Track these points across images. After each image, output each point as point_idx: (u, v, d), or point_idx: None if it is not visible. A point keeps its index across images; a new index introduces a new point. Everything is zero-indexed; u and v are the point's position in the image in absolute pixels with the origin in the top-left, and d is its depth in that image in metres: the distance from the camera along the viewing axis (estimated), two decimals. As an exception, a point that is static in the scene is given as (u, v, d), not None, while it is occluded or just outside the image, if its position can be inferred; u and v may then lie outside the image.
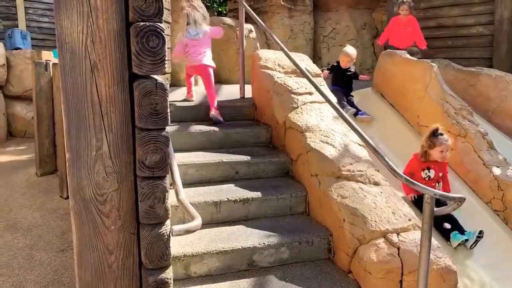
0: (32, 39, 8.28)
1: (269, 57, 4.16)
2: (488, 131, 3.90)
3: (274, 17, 7.22)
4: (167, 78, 5.37)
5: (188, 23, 4.35)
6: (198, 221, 1.85)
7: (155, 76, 1.69)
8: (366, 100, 4.83)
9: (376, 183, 2.94)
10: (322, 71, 4.44)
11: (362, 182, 2.92)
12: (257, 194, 3.04)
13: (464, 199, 2.11)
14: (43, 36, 8.79)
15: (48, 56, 6.73)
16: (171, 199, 1.87)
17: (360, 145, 3.27)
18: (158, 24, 1.64)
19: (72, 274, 3.14)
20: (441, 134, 3.34)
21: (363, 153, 3.20)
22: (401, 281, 2.42)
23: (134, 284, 1.85)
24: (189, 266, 2.53)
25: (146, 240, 1.74)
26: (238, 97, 4.62)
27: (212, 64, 4.37)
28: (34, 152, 5.37)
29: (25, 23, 8.57)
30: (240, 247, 2.61)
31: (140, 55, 1.63)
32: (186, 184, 2.98)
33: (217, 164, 3.29)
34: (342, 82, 4.77)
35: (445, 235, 3.10)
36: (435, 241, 2.50)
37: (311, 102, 3.67)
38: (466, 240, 3.01)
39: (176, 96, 4.52)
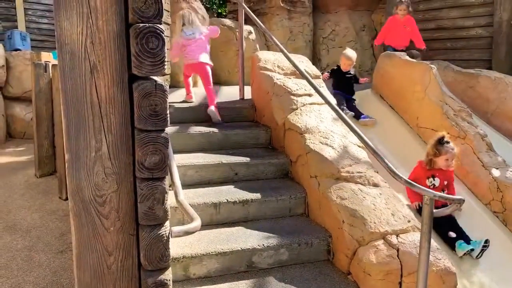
0: (31, 40, 8.29)
1: (269, 58, 4.16)
2: (487, 132, 3.90)
3: (273, 19, 7.23)
4: (166, 80, 5.37)
5: (183, 24, 4.39)
6: (197, 223, 1.84)
7: (155, 78, 1.69)
8: (365, 102, 4.83)
9: (376, 185, 2.94)
10: (322, 74, 4.45)
11: (362, 184, 2.92)
12: (257, 196, 3.04)
13: (464, 200, 2.11)
14: (42, 37, 8.79)
15: (47, 57, 6.73)
16: (170, 200, 1.86)
17: (359, 146, 3.27)
18: (158, 25, 1.64)
19: (71, 276, 3.13)
20: (447, 142, 3.26)
21: (363, 154, 3.20)
22: (400, 283, 2.42)
23: (133, 285, 1.84)
24: (188, 268, 2.52)
25: (145, 241, 1.74)
26: (238, 98, 4.62)
27: (210, 62, 4.39)
28: (33, 153, 5.36)
29: (24, 24, 8.58)
30: (239, 249, 2.61)
31: (140, 56, 1.63)
32: (186, 186, 2.97)
33: (216, 166, 3.29)
34: (343, 85, 4.77)
35: (450, 244, 3.04)
36: (434, 243, 2.50)
37: (311, 104, 3.68)
38: (472, 249, 2.94)
39: (175, 97, 4.52)
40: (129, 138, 1.75)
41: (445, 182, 3.33)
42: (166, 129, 1.72)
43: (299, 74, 3.55)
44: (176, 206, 2.46)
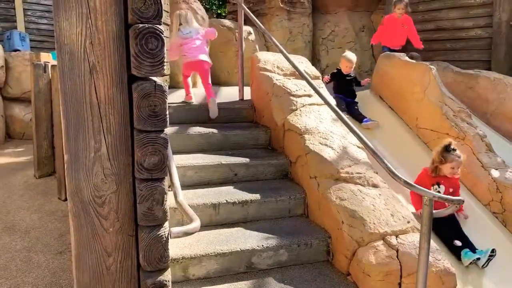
0: (30, 40, 8.28)
1: (268, 59, 4.17)
2: (486, 133, 3.90)
3: (273, 19, 7.23)
4: (166, 80, 5.37)
5: (180, 23, 4.41)
6: (196, 223, 1.84)
7: (154, 78, 1.69)
8: (364, 103, 4.83)
9: (375, 185, 2.94)
10: (322, 77, 4.44)
11: (361, 184, 2.92)
12: (256, 196, 3.04)
13: (463, 201, 2.12)
14: (41, 37, 8.78)
15: (46, 57, 6.73)
16: (169, 201, 1.86)
17: (358, 147, 3.27)
18: (157, 26, 1.63)
19: (70, 276, 3.13)
20: (454, 150, 3.20)
21: (362, 155, 3.20)
22: (400, 284, 2.41)
23: (132, 286, 1.84)
24: (187, 269, 2.52)
25: (144, 242, 1.74)
26: (237, 99, 4.62)
27: (209, 60, 4.41)
28: (33, 154, 5.36)
29: (23, 24, 8.57)
30: (239, 250, 2.61)
31: (139, 57, 1.62)
32: (185, 186, 2.97)
33: (216, 166, 3.29)
34: (344, 88, 4.75)
35: (456, 253, 2.99)
36: (434, 243, 2.50)
37: (310, 104, 3.68)
38: (478, 258, 2.89)
39: (175, 98, 4.51)
40: (128, 139, 1.75)
41: (451, 190, 3.26)
42: (166, 129, 1.72)
43: (299, 74, 3.55)
44: (175, 207, 2.46)
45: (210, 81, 4.35)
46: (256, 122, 4.20)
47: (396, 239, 2.55)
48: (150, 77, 1.68)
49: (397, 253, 2.47)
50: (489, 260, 2.87)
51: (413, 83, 4.40)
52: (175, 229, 1.76)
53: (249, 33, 6.66)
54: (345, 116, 2.89)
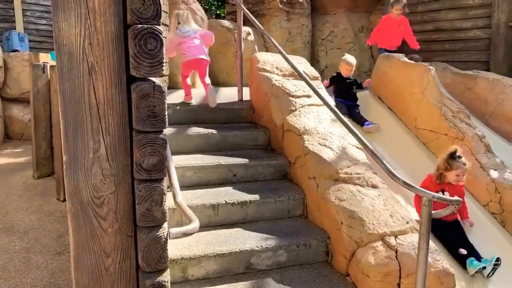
0: (29, 41, 8.27)
1: (267, 59, 4.17)
2: (485, 134, 3.91)
3: (272, 20, 7.23)
4: (165, 81, 5.36)
5: (179, 22, 4.42)
6: (195, 224, 1.84)
7: (153, 79, 1.69)
8: (364, 104, 4.83)
9: (374, 186, 2.94)
10: (322, 82, 4.43)
11: (360, 185, 2.92)
12: (255, 197, 3.04)
13: (461, 201, 2.12)
14: (40, 38, 8.78)
15: (45, 58, 6.73)
16: (168, 201, 1.86)
17: (357, 147, 3.28)
18: (156, 26, 1.63)
19: (69, 277, 3.12)
20: (460, 157, 3.15)
21: (361, 156, 3.21)
22: (399, 284, 2.42)
23: (131, 287, 1.84)
24: (186, 269, 2.52)
25: (143, 243, 1.74)
26: (236, 99, 4.62)
27: (208, 58, 4.46)
28: (31, 154, 5.35)
29: (22, 25, 8.56)
30: (238, 250, 2.60)
31: (138, 57, 1.62)
32: (184, 187, 2.97)
33: (215, 167, 3.29)
34: (345, 92, 4.71)
35: (461, 261, 2.94)
36: (432, 244, 2.51)
37: (309, 105, 3.68)
38: (484, 267, 2.84)
39: (174, 98, 4.51)
40: (127, 139, 1.75)
41: (455, 197, 3.24)
42: (164, 130, 1.72)
43: (298, 75, 3.55)
44: (174, 208, 2.46)
45: (208, 78, 4.40)
46: (255, 123, 4.20)
47: (395, 240, 2.55)
48: (149, 78, 1.68)
49: (396, 254, 2.47)
50: (494, 269, 2.83)
51: (412, 84, 4.40)
52: (174, 230, 1.76)
53: (248, 34, 6.66)
54: (343, 117, 2.88)
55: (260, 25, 4.24)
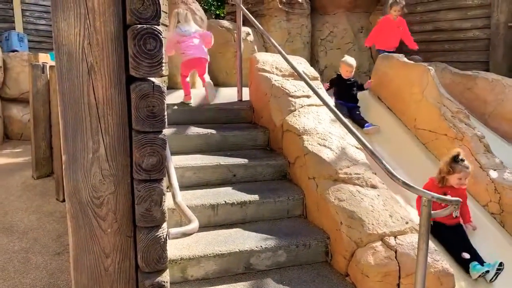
0: (29, 41, 8.27)
1: (267, 60, 4.17)
2: (484, 134, 3.91)
3: (271, 20, 7.23)
4: (164, 81, 5.36)
5: (179, 21, 4.42)
6: (195, 224, 1.84)
7: (152, 79, 1.69)
8: (363, 104, 4.83)
9: (373, 186, 2.94)
10: (323, 84, 4.42)
11: (359, 185, 2.92)
12: (255, 197, 3.04)
13: (460, 201, 2.12)
14: (40, 38, 8.77)
15: (45, 58, 6.73)
16: (168, 202, 1.86)
17: (357, 148, 3.28)
18: (156, 26, 1.63)
19: (68, 278, 3.12)
20: (462, 160, 3.14)
21: (360, 156, 3.21)
22: (398, 284, 2.41)
23: (130, 287, 1.83)
24: (186, 269, 2.52)
25: (142, 243, 1.73)
26: (236, 100, 4.62)
27: (207, 57, 4.49)
28: (31, 154, 5.35)
29: (22, 25, 8.55)
30: (237, 250, 2.60)
31: (137, 57, 1.62)
32: (183, 187, 2.97)
33: (214, 167, 3.28)
34: (346, 94, 4.68)
35: (464, 265, 2.93)
36: (432, 244, 2.51)
37: (309, 105, 3.68)
38: (487, 271, 2.83)
39: (173, 98, 4.51)
40: (127, 140, 1.75)
41: None
42: (164, 130, 1.72)
43: (297, 75, 3.55)
44: (173, 208, 2.46)
45: (207, 75, 4.45)
46: (254, 123, 4.20)
47: (395, 240, 2.55)
48: (149, 78, 1.68)
49: (396, 254, 2.47)
50: (497, 274, 2.81)
51: (412, 84, 4.41)
52: (174, 230, 1.76)
53: (248, 34, 6.66)
54: (343, 117, 2.88)
55: (259, 25, 4.24)
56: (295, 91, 3.78)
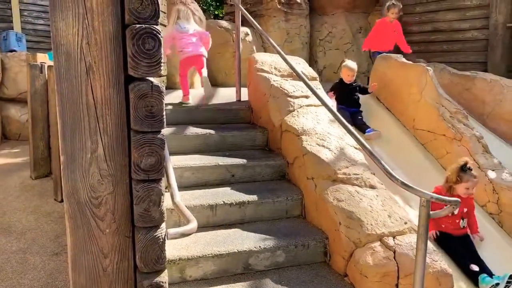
0: (27, 41, 8.26)
1: (266, 60, 4.16)
2: (483, 134, 3.91)
3: (270, 21, 7.23)
4: (163, 81, 5.35)
5: (179, 17, 4.41)
6: (193, 224, 1.84)
7: (151, 79, 1.69)
8: (362, 104, 4.83)
9: (372, 186, 2.94)
10: (327, 93, 4.39)
11: (358, 185, 2.92)
12: (253, 197, 3.03)
13: (459, 201, 2.12)
14: (38, 38, 8.76)
15: (43, 58, 6.71)
16: (166, 202, 1.86)
17: (356, 148, 3.28)
18: (154, 26, 1.63)
19: (66, 278, 3.12)
20: (470, 169, 3.08)
21: (359, 156, 3.21)
22: (397, 285, 2.41)
23: (129, 287, 1.83)
24: (184, 270, 2.51)
25: (141, 243, 1.73)
26: (235, 100, 4.61)
27: (206, 54, 4.53)
28: (29, 154, 5.34)
29: (20, 25, 8.55)
30: (236, 251, 2.60)
31: (136, 57, 1.62)
32: (182, 187, 2.96)
33: (213, 167, 3.28)
34: (348, 98, 4.60)
35: (472, 277, 2.85)
36: (430, 245, 2.50)
37: (307, 105, 3.68)
38: (497, 284, 2.74)
39: (172, 98, 4.51)
40: (125, 140, 1.74)
41: (465, 210, 3.14)
42: (162, 130, 1.72)
43: (296, 76, 3.55)
44: (172, 208, 2.45)
45: (205, 69, 4.51)
46: (253, 123, 4.20)
47: (393, 240, 2.55)
48: (147, 78, 1.67)
49: (394, 254, 2.47)
50: (507, 286, 2.74)
51: (410, 85, 4.41)
52: (172, 230, 1.75)
53: (247, 34, 6.66)
54: (341, 117, 2.88)
55: (258, 26, 4.23)
56: (293, 92, 3.78)
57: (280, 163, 3.49)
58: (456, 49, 6.48)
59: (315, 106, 3.68)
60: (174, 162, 3.08)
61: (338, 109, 4.33)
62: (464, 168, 3.08)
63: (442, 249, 2.99)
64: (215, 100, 4.54)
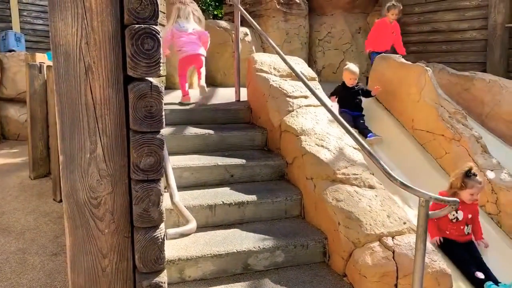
0: (26, 41, 8.26)
1: (265, 60, 4.17)
2: (482, 135, 3.92)
3: (269, 21, 7.23)
4: (162, 81, 5.35)
5: (179, 16, 4.42)
6: (192, 225, 1.83)
7: (150, 79, 1.68)
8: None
9: (371, 187, 2.95)
10: (329, 97, 4.37)
11: (357, 186, 2.92)
12: (252, 198, 3.03)
13: (458, 202, 2.12)
14: (37, 38, 8.76)
15: (42, 58, 6.69)
16: (165, 202, 1.85)
17: (355, 148, 3.28)
18: (153, 26, 1.63)
19: (65, 278, 3.11)
20: (475, 175, 3.04)
21: (358, 156, 3.21)
22: (396, 285, 2.42)
23: (128, 288, 1.83)
24: (183, 270, 2.51)
25: (140, 243, 1.73)
26: (234, 100, 4.61)
27: (205, 53, 4.58)
28: (28, 155, 5.33)
29: (19, 25, 8.54)
30: (235, 251, 2.60)
31: (135, 57, 1.62)
32: (181, 187, 2.96)
33: (212, 167, 3.28)
34: (350, 102, 4.58)
35: (478, 285, 2.81)
36: (429, 245, 2.51)
37: (307, 106, 3.68)
38: None
39: (171, 98, 4.50)
40: (124, 140, 1.74)
41: (469, 216, 3.10)
42: (162, 130, 1.72)
43: (295, 76, 3.55)
44: (171, 208, 2.45)
45: (204, 68, 4.54)
46: (252, 123, 4.20)
47: (392, 240, 2.55)
48: (146, 78, 1.67)
49: (393, 254, 2.47)
50: None
51: (409, 85, 4.41)
52: (171, 231, 1.75)
53: (246, 34, 6.66)
54: (340, 117, 2.88)
55: (257, 26, 4.23)
56: (293, 92, 3.78)
57: (279, 163, 3.49)
58: (455, 50, 6.49)
59: (314, 106, 3.68)
60: (173, 162, 3.09)
61: (340, 113, 4.31)
62: (468, 174, 3.04)
63: (446, 256, 2.95)
64: (214, 100, 4.54)
